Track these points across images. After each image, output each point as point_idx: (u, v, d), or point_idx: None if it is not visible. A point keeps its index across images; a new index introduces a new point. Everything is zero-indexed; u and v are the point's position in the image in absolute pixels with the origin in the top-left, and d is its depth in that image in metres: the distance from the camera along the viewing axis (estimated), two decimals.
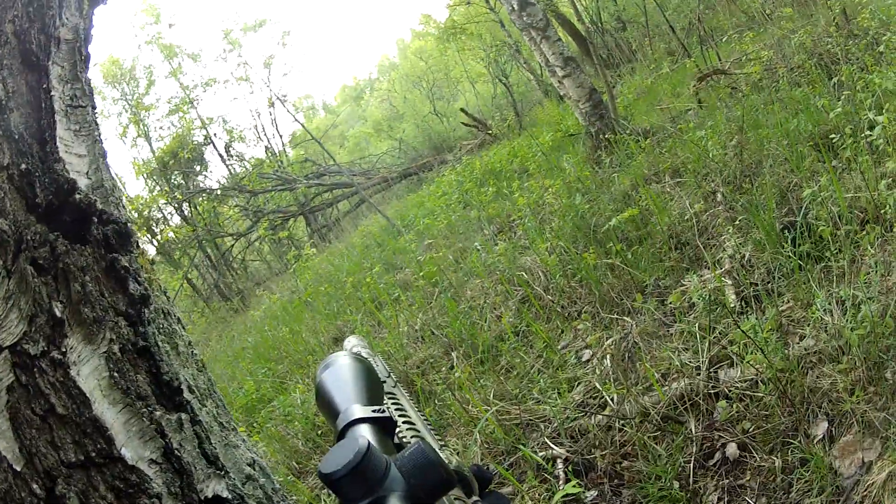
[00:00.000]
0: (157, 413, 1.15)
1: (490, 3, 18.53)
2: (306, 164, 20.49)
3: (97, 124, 1.34)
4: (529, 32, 6.57)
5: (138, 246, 1.28)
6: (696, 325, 2.85)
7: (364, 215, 18.00)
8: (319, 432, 3.85)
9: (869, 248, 2.82)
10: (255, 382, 5.55)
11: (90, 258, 1.16)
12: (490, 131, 16.79)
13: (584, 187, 5.23)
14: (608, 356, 2.88)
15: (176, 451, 1.15)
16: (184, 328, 1.34)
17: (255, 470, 1.30)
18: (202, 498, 1.15)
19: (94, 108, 1.34)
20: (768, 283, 3.08)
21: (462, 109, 18.36)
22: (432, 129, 24.21)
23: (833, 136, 3.68)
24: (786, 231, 3.29)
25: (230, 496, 1.20)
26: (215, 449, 1.23)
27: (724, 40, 8.70)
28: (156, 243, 20.33)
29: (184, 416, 1.19)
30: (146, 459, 1.10)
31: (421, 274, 5.67)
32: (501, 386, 3.16)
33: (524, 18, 6.41)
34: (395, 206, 14.53)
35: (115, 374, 1.12)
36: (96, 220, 1.20)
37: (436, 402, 3.42)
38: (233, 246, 20.56)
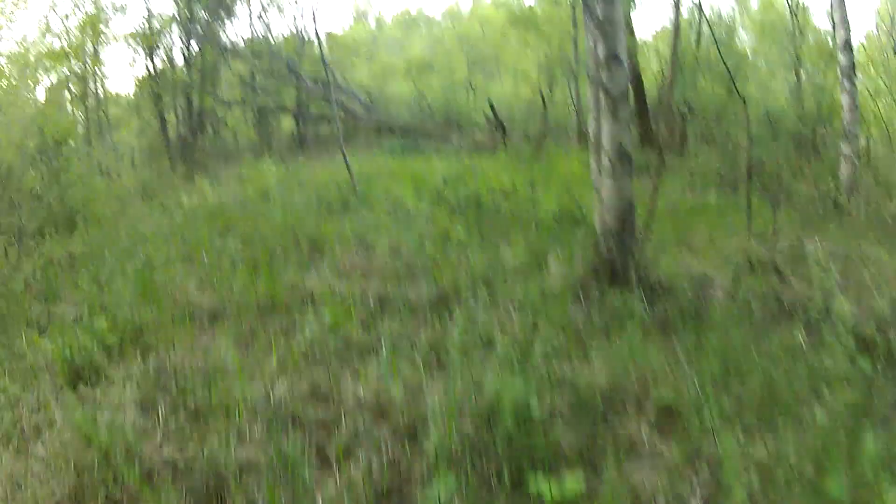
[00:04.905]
0: None
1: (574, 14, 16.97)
2: (319, 70, 19.02)
3: None
4: (599, 96, 5.28)
5: None
6: None
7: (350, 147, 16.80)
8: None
9: None
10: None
11: None
12: (505, 139, 15.64)
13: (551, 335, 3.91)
14: None
15: None
16: None
17: None
18: None
19: None
20: None
21: (490, 103, 17.02)
22: (456, 101, 22.70)
23: None
24: None
25: None
26: None
27: None
28: (152, 68, 18.80)
29: None
30: None
31: (327, 310, 4.44)
32: None
33: (603, 77, 5.07)
34: (377, 160, 13.61)
35: None
36: None
37: None
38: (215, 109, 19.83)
